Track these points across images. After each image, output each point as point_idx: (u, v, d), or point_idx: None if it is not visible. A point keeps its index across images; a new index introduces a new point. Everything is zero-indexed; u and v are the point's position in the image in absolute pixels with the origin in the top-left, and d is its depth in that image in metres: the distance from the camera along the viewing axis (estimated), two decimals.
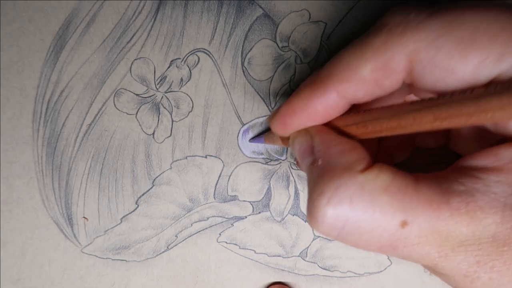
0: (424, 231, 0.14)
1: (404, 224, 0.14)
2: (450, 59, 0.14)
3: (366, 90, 0.16)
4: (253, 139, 0.24)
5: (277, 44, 0.23)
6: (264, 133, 0.23)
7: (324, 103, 0.17)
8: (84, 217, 0.24)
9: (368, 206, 0.14)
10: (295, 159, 0.24)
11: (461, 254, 0.14)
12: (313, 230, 0.25)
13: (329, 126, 0.18)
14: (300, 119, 0.18)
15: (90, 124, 0.24)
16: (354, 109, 0.18)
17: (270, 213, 0.25)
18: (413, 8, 0.15)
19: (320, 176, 0.15)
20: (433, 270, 0.16)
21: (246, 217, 0.25)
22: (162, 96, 0.24)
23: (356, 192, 0.14)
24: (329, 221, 0.15)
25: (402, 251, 0.15)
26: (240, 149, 0.24)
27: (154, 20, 0.23)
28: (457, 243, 0.14)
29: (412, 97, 0.21)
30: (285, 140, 0.20)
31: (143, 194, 0.24)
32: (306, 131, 0.18)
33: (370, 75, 0.16)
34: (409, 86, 0.20)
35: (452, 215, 0.14)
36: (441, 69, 0.15)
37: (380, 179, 0.15)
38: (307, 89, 0.17)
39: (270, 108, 0.24)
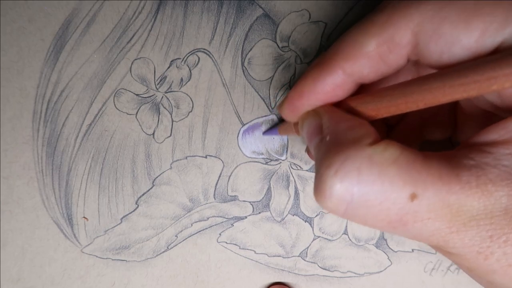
0: (434, 205, 0.14)
1: (413, 197, 0.14)
2: (455, 28, 0.14)
3: (371, 66, 0.16)
4: (266, 131, 0.24)
5: (277, 44, 0.23)
6: (278, 125, 0.23)
7: (331, 83, 0.17)
8: (84, 217, 0.24)
9: (377, 178, 0.14)
10: (306, 149, 0.24)
11: (473, 229, 0.14)
12: (312, 230, 0.25)
13: (339, 107, 0.18)
14: (308, 100, 0.18)
15: (90, 124, 0.24)
16: (363, 91, 0.18)
17: (270, 213, 0.25)
18: None
19: (327, 150, 0.15)
20: (443, 248, 0.15)
21: (246, 217, 0.25)
22: (162, 96, 0.24)
23: (364, 164, 0.14)
24: (337, 194, 0.14)
25: (412, 226, 0.14)
26: (240, 149, 0.24)
27: (154, 20, 0.23)
28: (468, 218, 0.14)
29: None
30: (298, 129, 0.20)
31: (143, 194, 0.24)
32: (315, 111, 0.18)
33: (375, 50, 0.16)
34: (415, 65, 0.19)
35: (462, 188, 0.14)
36: (446, 39, 0.15)
37: (388, 152, 0.14)
38: (313, 70, 0.17)
39: (270, 108, 0.24)
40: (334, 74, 0.17)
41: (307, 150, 0.24)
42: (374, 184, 0.14)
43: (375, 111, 0.17)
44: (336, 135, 0.15)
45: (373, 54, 0.16)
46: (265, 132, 0.24)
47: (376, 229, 0.17)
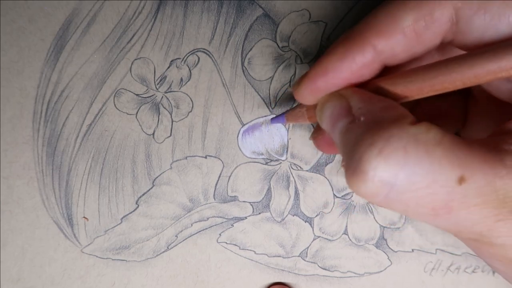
0: (482, 189, 0.13)
1: (461, 180, 0.13)
2: (503, 2, 0.14)
3: (405, 44, 0.15)
4: (274, 119, 0.23)
5: (277, 44, 0.23)
6: (285, 113, 0.22)
7: (360, 61, 0.16)
8: (84, 217, 0.24)
9: (425, 158, 0.13)
10: (313, 136, 0.23)
11: None
12: (312, 230, 0.25)
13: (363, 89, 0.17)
14: (333, 79, 0.16)
15: (90, 124, 0.24)
16: (384, 75, 0.17)
17: (270, 213, 0.25)
18: None
19: (366, 129, 0.14)
20: (485, 239, 0.14)
21: (246, 217, 0.25)
22: (162, 96, 0.24)
23: (410, 143, 0.13)
24: (380, 176, 0.13)
25: (456, 214, 0.13)
26: (240, 150, 0.24)
27: (154, 20, 0.23)
28: None
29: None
30: (311, 114, 0.19)
31: (143, 194, 0.24)
32: (339, 93, 0.16)
33: (412, 26, 0.15)
34: (439, 51, 0.18)
35: (509, 173, 0.13)
36: (493, 13, 0.14)
37: (432, 132, 0.13)
38: (340, 47, 0.16)
39: (270, 108, 0.24)
40: (364, 51, 0.15)
41: (313, 137, 0.22)
42: (422, 164, 0.13)
43: (406, 92, 0.15)
44: (372, 114, 0.14)
45: (409, 30, 0.15)
46: (273, 119, 0.23)
47: (415, 218, 0.15)
